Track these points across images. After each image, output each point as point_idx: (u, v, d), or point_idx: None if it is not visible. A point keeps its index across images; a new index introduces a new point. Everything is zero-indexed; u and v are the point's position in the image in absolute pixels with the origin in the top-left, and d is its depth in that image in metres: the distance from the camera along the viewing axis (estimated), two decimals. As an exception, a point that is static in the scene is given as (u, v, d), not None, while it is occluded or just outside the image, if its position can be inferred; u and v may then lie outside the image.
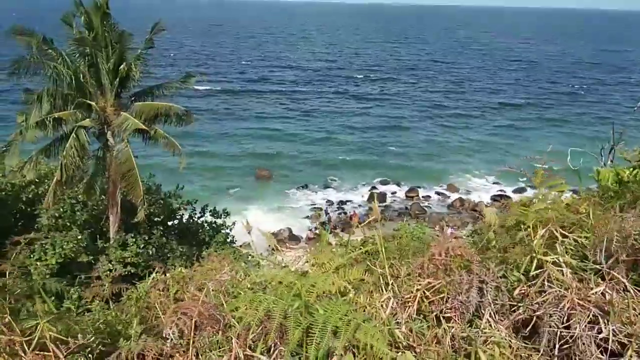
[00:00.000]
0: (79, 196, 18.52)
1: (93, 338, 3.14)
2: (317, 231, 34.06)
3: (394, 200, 41.18)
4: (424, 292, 3.42)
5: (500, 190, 42.18)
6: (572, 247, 3.41)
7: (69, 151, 16.27)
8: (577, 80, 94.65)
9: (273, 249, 4.22)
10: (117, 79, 17.52)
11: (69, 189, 17.69)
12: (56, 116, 16.45)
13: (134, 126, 16.87)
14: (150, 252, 17.49)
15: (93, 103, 17.35)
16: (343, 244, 5.10)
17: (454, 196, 41.65)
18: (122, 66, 17.26)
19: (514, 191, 41.34)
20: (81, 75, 17.18)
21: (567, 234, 3.40)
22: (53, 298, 10.18)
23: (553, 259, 3.24)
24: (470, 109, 70.27)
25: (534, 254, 3.31)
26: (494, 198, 40.87)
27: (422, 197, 41.74)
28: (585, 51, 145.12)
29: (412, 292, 3.48)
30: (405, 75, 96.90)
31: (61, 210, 17.93)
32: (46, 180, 18.54)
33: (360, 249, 5.42)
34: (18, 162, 17.12)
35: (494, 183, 44.08)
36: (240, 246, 21.57)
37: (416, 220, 26.04)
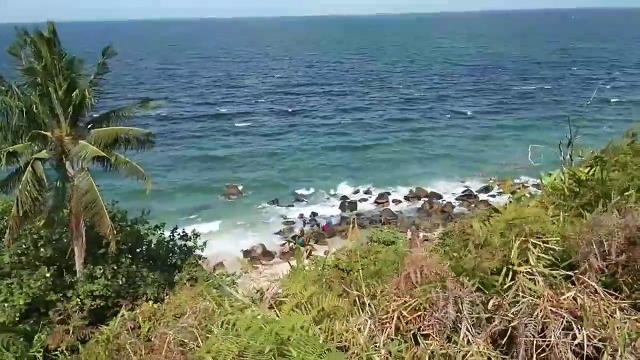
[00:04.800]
0: (41, 231, 17.80)
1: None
2: (291, 244, 33.82)
3: (365, 207, 41.38)
4: (400, 311, 3.39)
5: (466, 190, 43.05)
6: (543, 254, 3.45)
7: (25, 185, 15.64)
8: (536, 80, 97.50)
9: (247, 272, 4.12)
10: (71, 107, 16.97)
11: (28, 223, 16.98)
12: (10, 150, 15.82)
13: (92, 153, 16.35)
14: (120, 282, 16.93)
15: (48, 133, 16.77)
16: (317, 263, 5.03)
17: (423, 199, 42.19)
18: (74, 93, 16.77)
19: (479, 190, 42.27)
20: (33, 106, 16.57)
21: (537, 242, 3.43)
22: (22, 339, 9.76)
23: (526, 269, 3.26)
24: (431, 117, 71.46)
25: (507, 265, 3.32)
26: (461, 198, 41.79)
27: (393, 201, 42.10)
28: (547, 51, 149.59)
29: (388, 312, 3.45)
30: (367, 87, 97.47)
31: (24, 246, 17.20)
32: (5, 217, 17.77)
33: (336, 267, 5.36)
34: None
35: (459, 182, 44.94)
36: (215, 267, 21.20)
37: (388, 226, 26.17)
